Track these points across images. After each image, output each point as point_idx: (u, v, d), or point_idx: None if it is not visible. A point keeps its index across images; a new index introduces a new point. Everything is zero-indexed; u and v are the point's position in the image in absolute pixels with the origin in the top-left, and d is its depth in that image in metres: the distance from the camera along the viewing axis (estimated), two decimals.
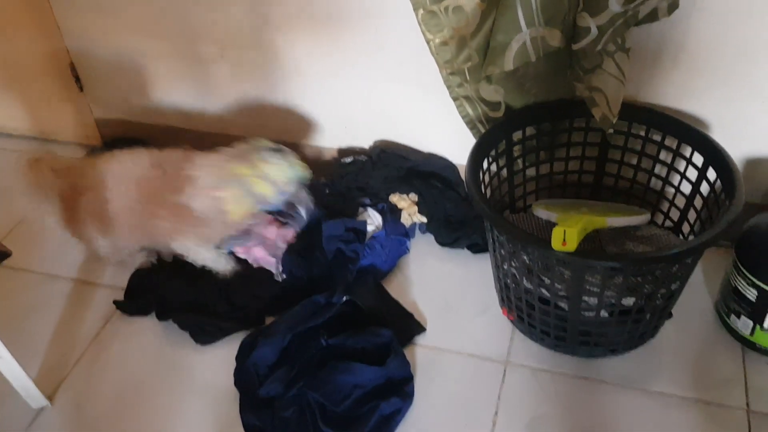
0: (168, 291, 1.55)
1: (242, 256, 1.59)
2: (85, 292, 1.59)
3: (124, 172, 1.52)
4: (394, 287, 1.55)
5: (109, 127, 1.99)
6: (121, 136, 1.98)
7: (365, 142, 1.77)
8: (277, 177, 1.44)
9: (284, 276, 1.54)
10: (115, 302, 1.55)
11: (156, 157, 1.53)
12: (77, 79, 1.91)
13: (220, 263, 1.56)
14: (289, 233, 1.58)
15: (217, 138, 1.87)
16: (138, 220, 1.50)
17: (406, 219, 1.63)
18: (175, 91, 1.84)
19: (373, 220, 1.59)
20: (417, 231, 1.68)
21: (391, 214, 1.62)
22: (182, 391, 1.38)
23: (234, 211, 1.43)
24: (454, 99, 1.45)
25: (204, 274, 1.56)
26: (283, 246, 1.57)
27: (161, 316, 1.51)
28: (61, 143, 2.06)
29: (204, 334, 1.47)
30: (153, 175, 1.49)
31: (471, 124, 1.48)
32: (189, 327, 1.48)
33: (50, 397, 1.37)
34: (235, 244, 1.58)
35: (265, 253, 1.57)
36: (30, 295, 1.60)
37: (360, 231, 1.56)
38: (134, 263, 1.62)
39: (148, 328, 1.51)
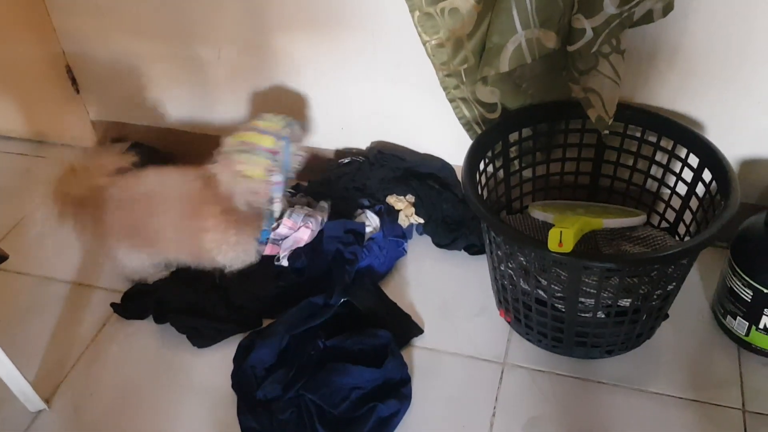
0: (166, 294, 1.55)
1: (287, 231, 1.57)
2: (83, 295, 1.59)
3: (167, 188, 1.52)
4: (391, 289, 1.55)
5: (106, 129, 1.99)
6: (117, 138, 1.98)
7: (362, 143, 1.77)
8: (270, 127, 1.49)
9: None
10: (113, 305, 1.55)
11: (194, 172, 1.54)
12: (74, 82, 1.91)
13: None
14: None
15: (215, 140, 1.87)
16: (184, 236, 1.50)
17: (403, 220, 1.63)
18: (172, 94, 1.84)
19: (371, 222, 1.59)
20: (414, 232, 1.68)
21: (389, 215, 1.62)
22: (180, 393, 1.38)
23: (252, 172, 1.46)
24: (451, 101, 1.45)
25: (202, 276, 1.56)
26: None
27: (159, 319, 1.51)
28: (58, 145, 2.05)
29: (201, 338, 1.46)
30: (195, 189, 1.50)
31: (467, 126, 1.48)
32: (186, 330, 1.47)
33: (48, 401, 1.37)
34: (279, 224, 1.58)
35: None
36: (27, 298, 1.60)
37: (358, 233, 1.56)
38: (153, 278, 1.60)
39: (145, 331, 1.51)
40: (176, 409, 1.35)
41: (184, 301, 1.53)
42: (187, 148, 1.91)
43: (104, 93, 1.92)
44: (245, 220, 1.51)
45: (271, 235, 1.57)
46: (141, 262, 1.55)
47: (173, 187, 1.53)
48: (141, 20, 1.71)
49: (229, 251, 1.51)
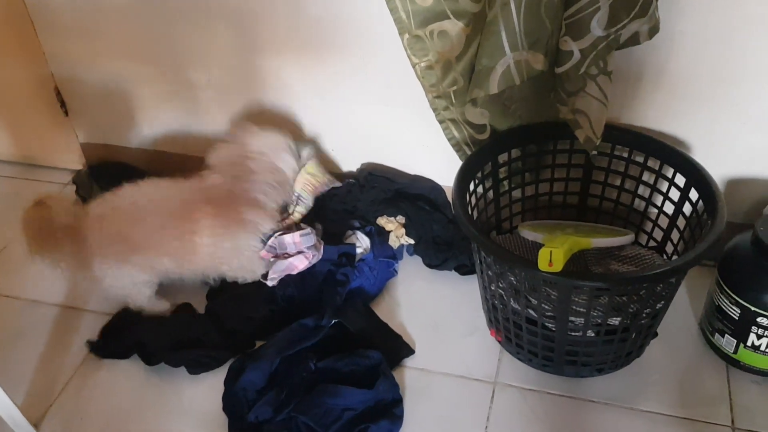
0: (148, 334, 1.49)
1: (291, 246, 1.57)
2: (71, 318, 1.58)
3: (149, 194, 1.52)
4: (382, 309, 1.55)
5: (95, 151, 1.99)
6: (106, 160, 1.98)
7: (352, 165, 1.78)
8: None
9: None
10: (89, 343, 1.50)
11: (175, 181, 1.56)
12: (62, 104, 1.91)
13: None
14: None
15: (202, 162, 1.87)
16: (173, 239, 1.47)
17: (393, 241, 1.63)
18: (162, 116, 1.85)
19: (361, 243, 1.59)
20: (405, 253, 1.68)
21: (379, 236, 1.63)
22: (170, 416, 1.37)
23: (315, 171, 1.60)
24: (441, 122, 1.46)
25: (180, 309, 1.56)
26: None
27: (149, 361, 1.46)
28: (46, 168, 2.05)
29: (200, 366, 1.44)
30: (182, 192, 1.52)
31: (457, 147, 1.50)
32: (183, 362, 1.44)
33: (36, 425, 1.35)
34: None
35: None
36: (14, 321, 1.58)
37: (350, 255, 1.56)
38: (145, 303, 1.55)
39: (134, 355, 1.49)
40: None
41: (173, 339, 1.48)
42: (177, 170, 1.91)
43: (93, 115, 1.92)
44: (240, 223, 1.49)
45: (272, 241, 1.55)
46: (130, 278, 1.49)
47: (157, 193, 1.52)
48: (130, 43, 1.72)
49: (233, 259, 1.50)
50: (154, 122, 1.86)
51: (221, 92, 1.74)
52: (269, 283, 1.54)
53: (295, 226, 1.61)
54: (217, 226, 1.48)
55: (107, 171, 1.97)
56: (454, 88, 1.37)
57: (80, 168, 2.02)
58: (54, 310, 1.60)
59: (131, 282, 1.51)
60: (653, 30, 1.28)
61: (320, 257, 1.56)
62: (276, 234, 1.56)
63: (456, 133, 1.48)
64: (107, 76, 1.80)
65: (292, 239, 1.55)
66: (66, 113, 1.93)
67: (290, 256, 1.55)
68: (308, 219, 1.67)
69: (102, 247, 1.47)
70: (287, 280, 1.55)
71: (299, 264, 1.54)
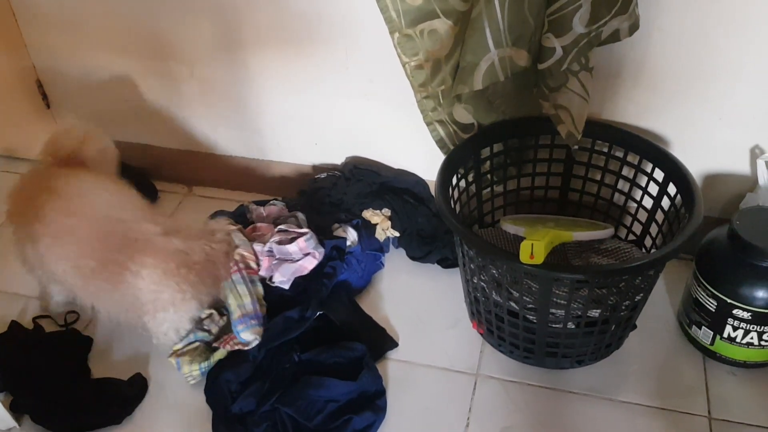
0: None
1: (296, 253, 1.53)
2: None
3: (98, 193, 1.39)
4: (366, 302, 1.56)
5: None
6: None
7: (336, 159, 1.79)
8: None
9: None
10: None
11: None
12: (44, 96, 1.90)
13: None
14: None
15: (187, 156, 1.88)
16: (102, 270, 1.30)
17: (379, 234, 1.64)
18: (145, 109, 1.84)
19: (349, 236, 1.60)
20: (390, 246, 1.70)
21: (365, 229, 1.64)
22: (154, 409, 1.38)
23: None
24: (428, 124, 1.47)
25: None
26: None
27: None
28: (27, 161, 2.03)
29: None
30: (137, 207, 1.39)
31: (441, 143, 1.51)
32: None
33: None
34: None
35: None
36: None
37: (340, 248, 1.57)
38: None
39: (119, 344, 1.49)
40: (150, 426, 1.35)
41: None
42: (160, 163, 1.91)
43: (75, 108, 1.91)
44: (203, 269, 1.34)
45: (275, 248, 1.53)
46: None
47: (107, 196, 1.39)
48: (113, 35, 1.71)
49: (168, 317, 1.34)
50: (137, 115, 1.86)
51: (204, 85, 1.74)
52: (279, 285, 1.50)
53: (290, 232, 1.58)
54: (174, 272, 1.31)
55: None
56: (443, 87, 1.38)
57: None
58: (35, 303, 1.59)
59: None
60: (633, 27, 1.30)
61: (324, 253, 1.55)
62: (273, 240, 1.53)
63: (443, 134, 1.49)
64: (89, 68, 1.80)
65: (297, 247, 1.52)
66: (48, 106, 1.92)
67: (296, 260, 1.53)
68: (290, 209, 1.68)
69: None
70: (297, 282, 1.52)
71: (309, 265, 1.52)
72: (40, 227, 1.33)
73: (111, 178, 1.47)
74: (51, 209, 1.33)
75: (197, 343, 1.43)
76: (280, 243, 1.53)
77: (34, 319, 1.53)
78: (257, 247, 1.53)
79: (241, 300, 1.44)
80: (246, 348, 1.39)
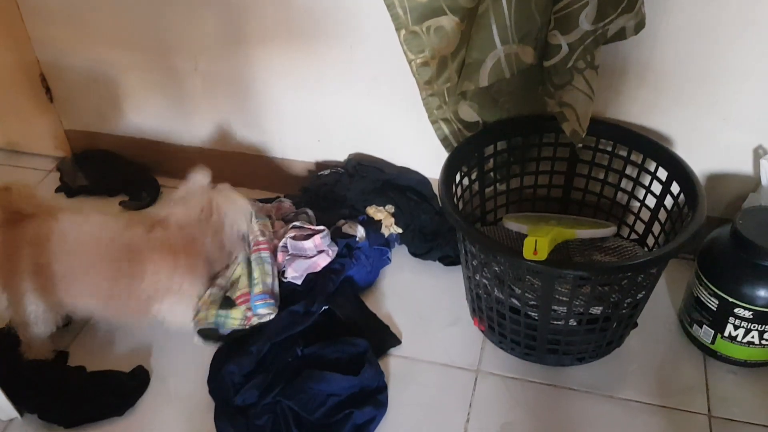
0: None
1: (311, 249, 1.54)
2: None
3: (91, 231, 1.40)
4: (369, 298, 1.57)
5: (80, 138, 1.98)
6: (91, 148, 1.98)
7: (339, 156, 1.79)
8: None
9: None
10: None
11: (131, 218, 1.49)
12: (48, 90, 1.90)
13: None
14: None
15: (189, 151, 1.88)
16: (111, 283, 1.37)
17: (383, 230, 1.64)
18: (148, 104, 1.84)
19: (358, 232, 1.60)
20: (394, 243, 1.69)
21: (370, 225, 1.64)
22: (156, 401, 1.38)
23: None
24: (433, 122, 1.47)
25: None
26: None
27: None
28: (30, 155, 2.04)
29: None
30: (133, 234, 1.40)
31: (446, 142, 1.51)
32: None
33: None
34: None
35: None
36: None
37: (351, 246, 1.58)
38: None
39: (119, 336, 1.50)
40: (152, 417, 1.35)
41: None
42: (162, 158, 1.92)
43: (78, 102, 1.91)
44: (198, 267, 1.43)
45: (290, 244, 1.54)
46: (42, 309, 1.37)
47: (100, 230, 1.40)
48: (117, 30, 1.71)
49: (176, 304, 1.41)
50: (140, 110, 1.86)
51: (208, 80, 1.74)
52: (297, 282, 1.51)
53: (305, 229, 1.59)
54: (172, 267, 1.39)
55: (92, 159, 1.97)
56: (449, 85, 1.38)
57: (64, 155, 2.01)
58: None
59: (47, 312, 1.39)
60: (639, 25, 1.31)
61: (337, 251, 1.56)
62: (288, 236, 1.54)
63: (447, 132, 1.49)
64: (93, 62, 1.80)
65: (312, 243, 1.53)
66: (51, 99, 1.92)
67: (310, 257, 1.54)
68: (299, 207, 1.69)
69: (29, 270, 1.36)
70: (310, 278, 1.52)
71: (322, 262, 1.53)
72: (43, 278, 1.35)
73: (67, 211, 1.45)
74: (44, 259, 1.35)
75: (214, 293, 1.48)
76: (294, 239, 1.54)
77: None
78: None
79: (267, 278, 1.47)
80: (261, 320, 1.44)
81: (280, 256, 1.53)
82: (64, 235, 1.37)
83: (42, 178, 1.96)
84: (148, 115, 1.87)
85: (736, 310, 1.31)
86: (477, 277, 1.37)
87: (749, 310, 1.30)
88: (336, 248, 1.55)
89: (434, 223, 1.65)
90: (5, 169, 2.01)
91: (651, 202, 1.49)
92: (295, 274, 1.51)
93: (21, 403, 1.34)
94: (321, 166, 1.80)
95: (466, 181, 1.50)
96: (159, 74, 1.77)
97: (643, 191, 1.50)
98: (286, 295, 1.50)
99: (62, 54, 1.81)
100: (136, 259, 1.37)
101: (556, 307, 1.29)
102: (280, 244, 1.54)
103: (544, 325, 1.32)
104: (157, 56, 1.74)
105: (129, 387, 1.39)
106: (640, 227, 1.55)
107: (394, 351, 1.46)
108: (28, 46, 1.82)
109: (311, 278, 1.52)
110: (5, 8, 1.75)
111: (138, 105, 1.86)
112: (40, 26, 1.78)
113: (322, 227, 1.56)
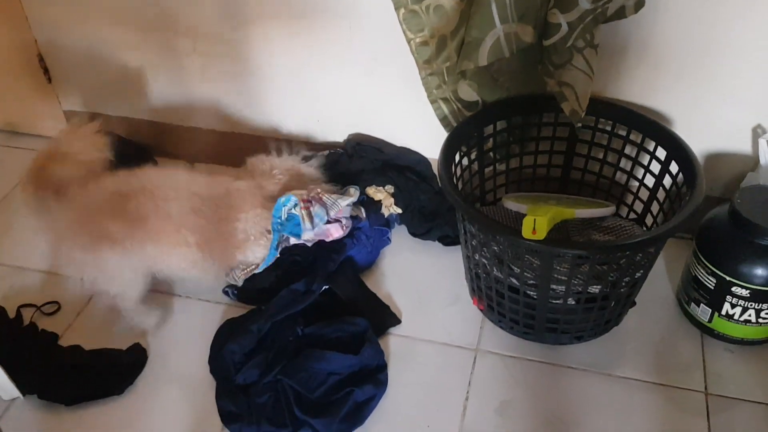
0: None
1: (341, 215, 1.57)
2: (57, 284, 1.57)
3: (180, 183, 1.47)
4: (369, 278, 1.58)
5: (78, 119, 1.97)
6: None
7: (339, 136, 1.79)
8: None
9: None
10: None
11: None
12: (46, 71, 1.89)
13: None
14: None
15: (187, 131, 1.88)
16: (207, 228, 1.42)
17: (383, 211, 1.64)
18: (147, 84, 1.84)
19: (360, 212, 1.61)
20: (394, 223, 1.70)
21: (369, 206, 1.64)
22: (157, 380, 1.39)
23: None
24: (432, 102, 1.47)
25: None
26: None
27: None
28: (29, 136, 2.03)
29: None
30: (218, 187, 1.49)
31: (445, 121, 1.51)
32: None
33: (22, 390, 1.35)
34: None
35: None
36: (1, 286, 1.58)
37: (355, 228, 1.58)
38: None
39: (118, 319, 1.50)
40: (153, 396, 1.36)
41: None
42: (161, 139, 1.91)
43: (77, 83, 1.91)
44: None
45: (333, 213, 1.54)
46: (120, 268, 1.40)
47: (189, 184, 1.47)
48: (115, 9, 1.70)
49: (259, 248, 1.50)
50: (138, 90, 1.85)
51: (207, 60, 1.74)
52: (308, 245, 1.54)
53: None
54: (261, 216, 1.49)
55: None
56: (448, 64, 1.37)
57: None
58: (40, 276, 1.60)
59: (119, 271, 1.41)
60: (639, 4, 1.30)
61: (350, 227, 1.57)
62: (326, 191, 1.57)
63: (447, 112, 1.49)
64: (91, 42, 1.79)
65: (347, 203, 1.56)
66: (49, 80, 1.91)
67: (330, 222, 1.54)
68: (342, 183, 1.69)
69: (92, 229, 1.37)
70: (293, 248, 1.53)
71: (335, 232, 1.53)
72: (144, 232, 1.39)
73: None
74: (145, 212, 1.39)
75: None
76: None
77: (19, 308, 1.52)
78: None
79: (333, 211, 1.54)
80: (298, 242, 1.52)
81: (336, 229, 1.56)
82: (158, 186, 1.41)
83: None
84: (146, 95, 1.86)
85: (733, 289, 1.32)
86: (476, 257, 1.37)
87: (746, 288, 1.31)
88: (351, 224, 1.56)
89: (434, 203, 1.65)
90: (4, 149, 2.00)
91: (650, 181, 1.49)
92: (306, 237, 1.52)
93: (21, 383, 1.35)
94: (320, 146, 1.80)
95: (465, 161, 1.50)
96: (158, 54, 1.77)
97: (642, 171, 1.50)
98: (287, 267, 1.51)
99: (60, 34, 1.80)
100: (230, 204, 1.46)
101: (554, 286, 1.30)
102: (333, 214, 1.55)
103: (542, 304, 1.33)
104: (155, 36, 1.73)
105: (126, 363, 1.40)
106: (638, 207, 1.55)
107: (393, 330, 1.47)
108: (25, 26, 1.81)
109: (312, 255, 1.53)
110: None
111: (137, 85, 1.85)
112: (37, 6, 1.77)
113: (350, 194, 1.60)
